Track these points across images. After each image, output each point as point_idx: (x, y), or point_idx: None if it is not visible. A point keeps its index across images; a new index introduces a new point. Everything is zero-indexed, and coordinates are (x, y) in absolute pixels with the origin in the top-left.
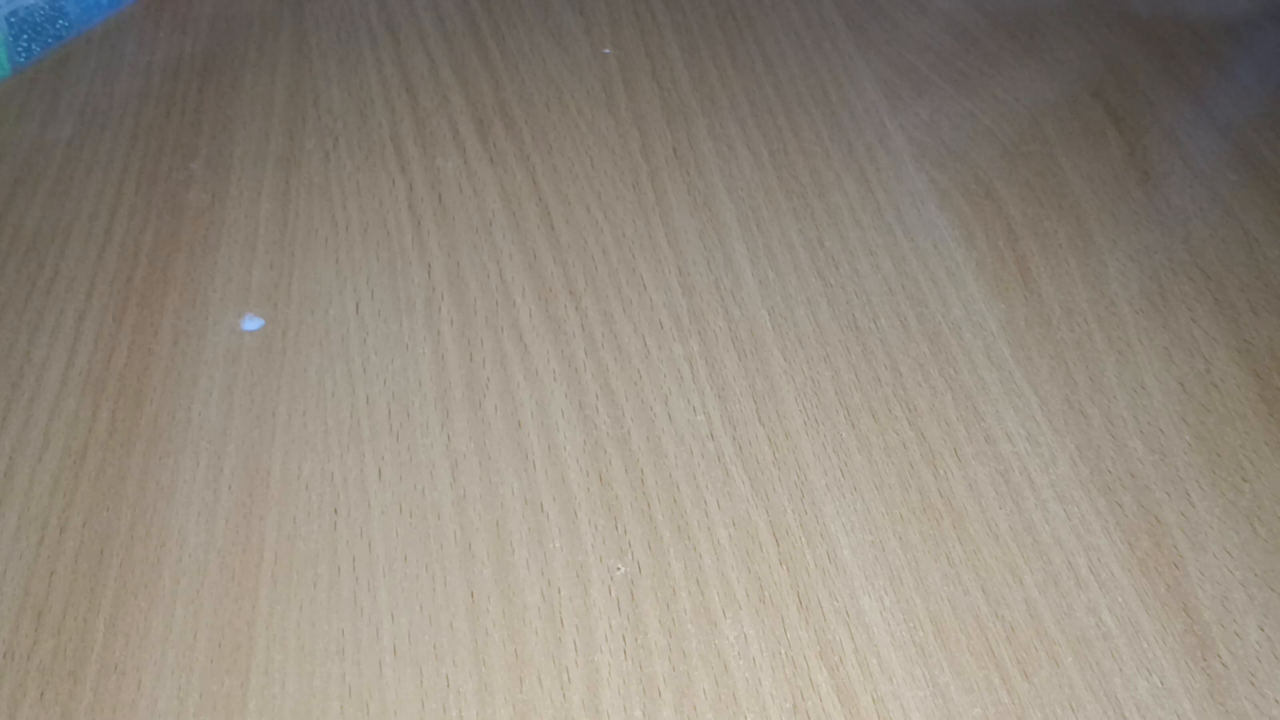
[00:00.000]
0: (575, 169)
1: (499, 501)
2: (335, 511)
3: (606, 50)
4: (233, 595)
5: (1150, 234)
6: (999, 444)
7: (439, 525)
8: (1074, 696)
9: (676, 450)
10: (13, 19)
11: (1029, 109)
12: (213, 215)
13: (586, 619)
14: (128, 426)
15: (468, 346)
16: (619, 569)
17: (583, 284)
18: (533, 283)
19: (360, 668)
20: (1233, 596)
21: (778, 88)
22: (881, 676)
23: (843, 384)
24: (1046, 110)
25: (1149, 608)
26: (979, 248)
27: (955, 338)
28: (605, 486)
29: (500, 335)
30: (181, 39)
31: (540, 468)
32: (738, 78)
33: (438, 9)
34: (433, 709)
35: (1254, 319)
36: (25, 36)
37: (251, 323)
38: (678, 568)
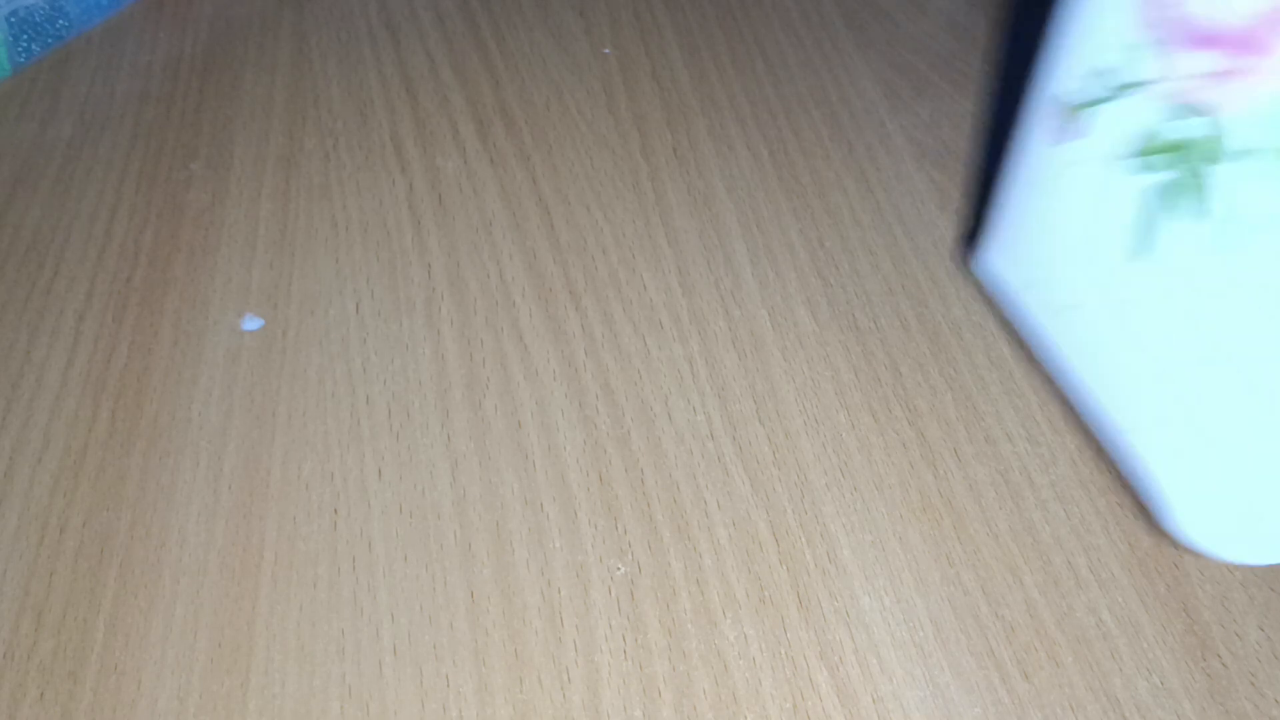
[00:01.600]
0: (575, 169)
1: (499, 501)
2: (335, 511)
3: (606, 50)
4: (233, 595)
5: None
6: (999, 444)
7: (439, 525)
8: (1074, 696)
9: (676, 450)
10: (13, 19)
11: None
12: (213, 215)
13: (586, 619)
14: (128, 426)
15: (468, 346)
16: (619, 569)
17: (583, 284)
18: (533, 283)
19: (360, 668)
20: (1232, 596)
21: (778, 88)
22: (881, 676)
23: (843, 384)
24: None
25: (1149, 608)
26: None
27: (955, 338)
28: (605, 486)
29: (500, 335)
30: (181, 39)
31: (540, 468)
32: (738, 78)
33: (438, 9)
34: (433, 709)
35: None
36: (25, 36)
37: (251, 323)
38: (678, 568)
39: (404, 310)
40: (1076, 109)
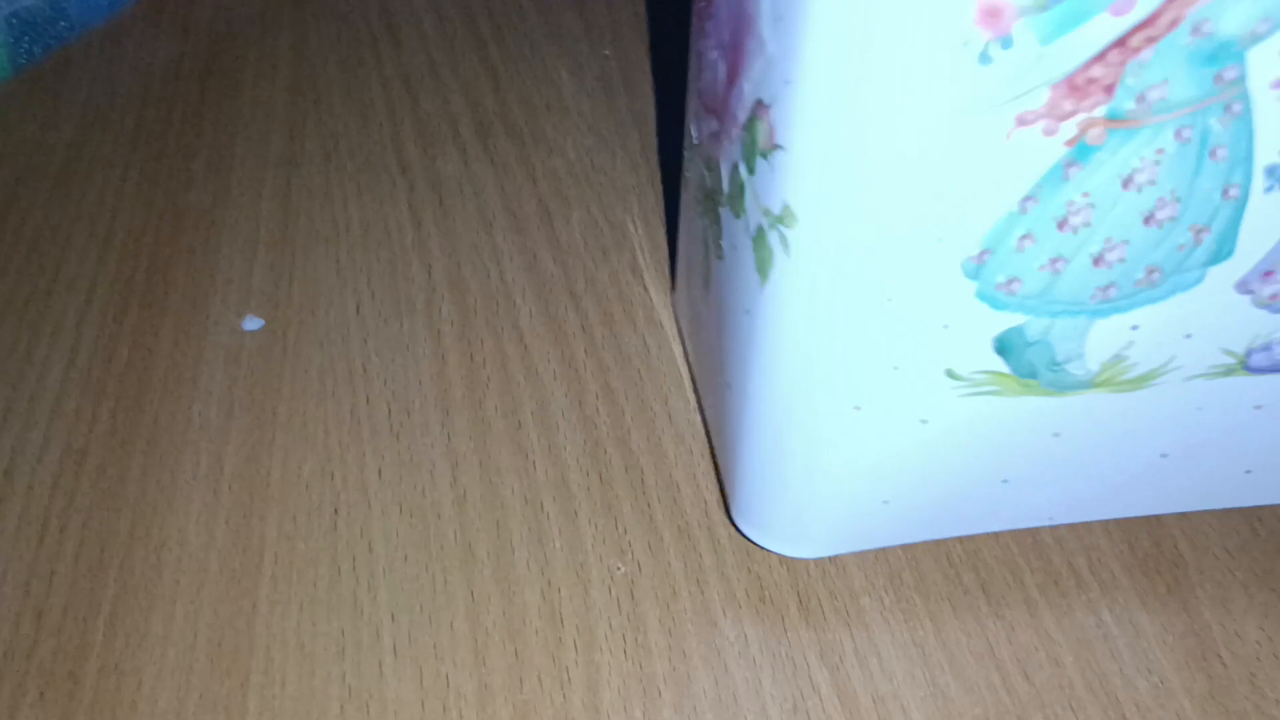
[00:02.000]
0: (575, 170)
1: (499, 501)
2: (335, 511)
3: (606, 51)
4: (233, 595)
5: None
6: None
7: (439, 525)
8: (1074, 696)
9: (676, 450)
10: (14, 20)
11: None
12: (213, 216)
13: (586, 619)
14: (128, 427)
15: (468, 347)
16: (619, 569)
17: (583, 284)
18: (533, 283)
19: (360, 668)
20: (1233, 597)
21: None
22: (881, 676)
23: None
24: None
25: (1149, 608)
26: None
27: None
28: (605, 486)
29: (500, 335)
30: (182, 40)
31: (540, 468)
32: None
33: (438, 10)
34: (433, 709)
35: None
36: (26, 37)
37: (252, 323)
38: (678, 568)
39: (404, 311)
40: (684, 165)
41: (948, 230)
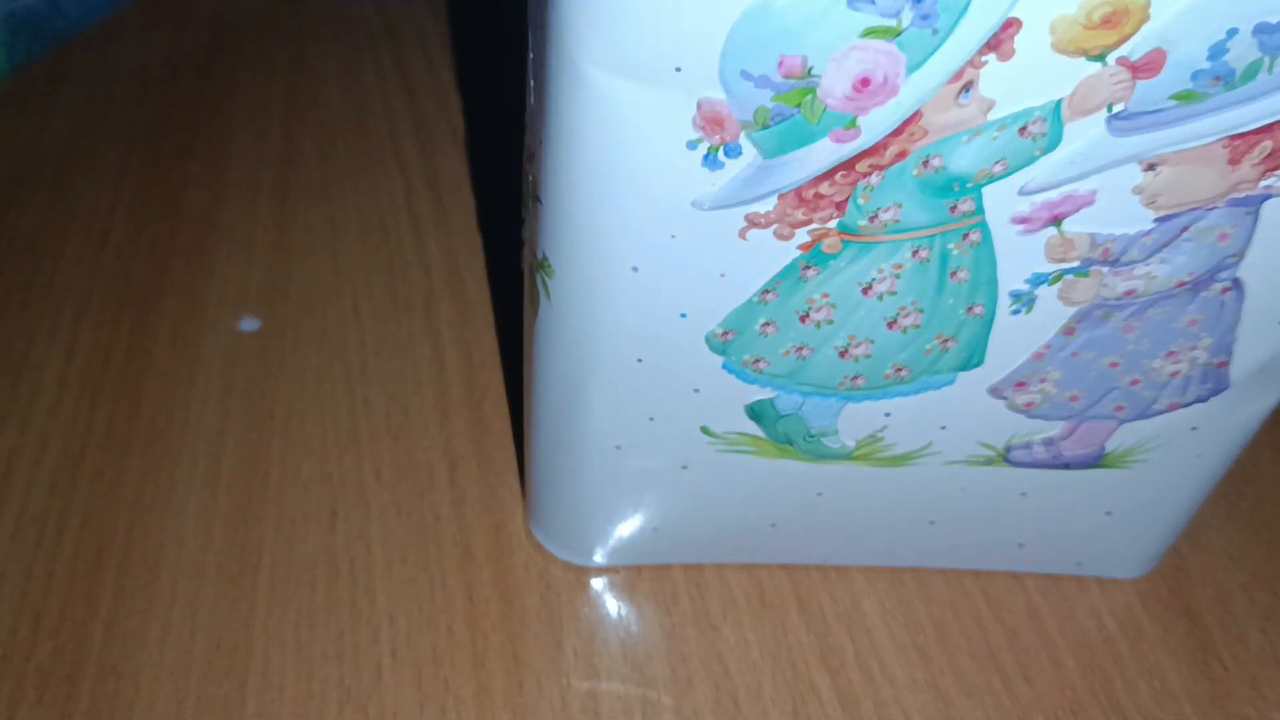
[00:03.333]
0: None
1: (498, 504)
2: (334, 513)
3: None
4: (230, 598)
5: None
6: None
7: (438, 527)
8: (1075, 700)
9: None
10: (11, 19)
11: None
12: (211, 216)
13: (586, 622)
14: (125, 428)
15: (466, 348)
16: (617, 571)
17: None
18: None
19: (359, 671)
20: (1234, 600)
21: None
22: (883, 681)
23: None
24: None
25: (1151, 611)
26: None
27: None
28: None
29: (500, 336)
30: (180, 39)
31: None
32: None
33: (436, 9)
34: (431, 712)
35: None
36: (24, 36)
37: (249, 324)
38: (678, 570)
39: (402, 311)
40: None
41: (690, 309)
